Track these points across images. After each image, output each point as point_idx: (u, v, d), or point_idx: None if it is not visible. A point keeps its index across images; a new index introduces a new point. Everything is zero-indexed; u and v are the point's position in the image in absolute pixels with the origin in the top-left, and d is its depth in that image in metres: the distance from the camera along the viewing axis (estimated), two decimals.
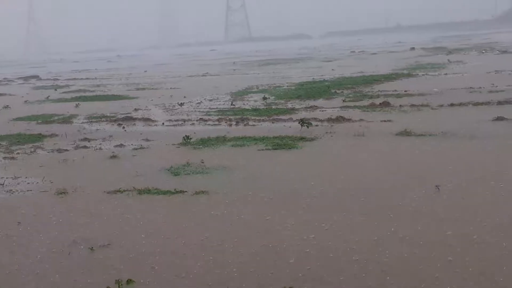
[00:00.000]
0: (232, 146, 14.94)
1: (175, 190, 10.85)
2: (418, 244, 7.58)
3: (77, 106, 25.96)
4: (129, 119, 21.11)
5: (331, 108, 20.81)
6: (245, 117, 19.91)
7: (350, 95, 24.17)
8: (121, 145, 15.98)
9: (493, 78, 26.48)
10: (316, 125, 16.94)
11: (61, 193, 11.18)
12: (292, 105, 22.40)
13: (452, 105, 19.41)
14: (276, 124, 18.09)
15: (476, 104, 19.23)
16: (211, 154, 14.02)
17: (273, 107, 22.19)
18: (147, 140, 16.57)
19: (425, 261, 7.08)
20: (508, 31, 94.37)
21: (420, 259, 7.15)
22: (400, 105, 20.06)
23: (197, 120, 19.98)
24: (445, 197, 9.46)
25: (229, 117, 20.12)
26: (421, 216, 8.65)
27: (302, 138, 15.13)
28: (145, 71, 54.22)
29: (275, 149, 14.19)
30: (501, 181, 10.09)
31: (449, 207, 8.96)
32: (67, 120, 21.88)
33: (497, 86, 23.54)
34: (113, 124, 20.24)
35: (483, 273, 6.66)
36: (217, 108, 23.12)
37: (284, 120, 18.66)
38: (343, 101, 22.44)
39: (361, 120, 17.43)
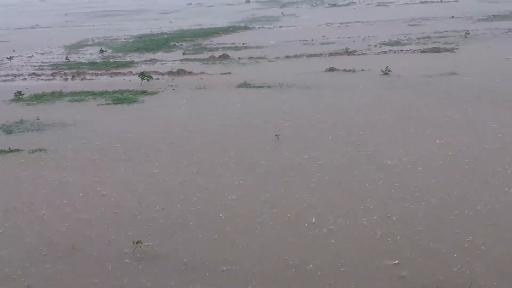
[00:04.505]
0: (70, 101, 14.35)
1: (9, 149, 10.26)
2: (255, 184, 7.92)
3: None
4: None
5: (171, 61, 20.67)
6: (81, 71, 19.17)
7: (190, 48, 24.14)
8: None
9: (324, 31, 27.75)
10: (157, 79, 16.77)
11: None
12: (131, 58, 21.93)
13: (287, 57, 20.12)
14: (116, 78, 17.62)
15: (310, 56, 20.09)
16: (47, 111, 13.38)
17: (111, 60, 21.59)
18: None
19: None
20: None
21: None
22: (238, 58, 20.43)
23: (29, 75, 18.88)
24: (283, 144, 9.88)
25: (65, 71, 19.27)
26: (259, 166, 8.99)
27: (143, 92, 14.91)
28: None
29: (116, 103, 13.86)
30: (335, 127, 10.72)
31: (287, 154, 9.38)
32: None
33: (328, 38, 24.71)
34: None
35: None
36: (50, 62, 21.99)
37: (124, 74, 18.23)
38: (183, 54, 22.38)
39: (202, 73, 17.52)
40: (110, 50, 24.66)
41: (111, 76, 18.00)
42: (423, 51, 19.47)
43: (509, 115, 10.95)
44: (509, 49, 18.77)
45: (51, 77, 18.32)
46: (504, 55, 17.44)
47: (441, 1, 41.90)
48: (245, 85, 15.16)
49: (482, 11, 31.76)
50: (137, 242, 6.38)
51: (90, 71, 19.01)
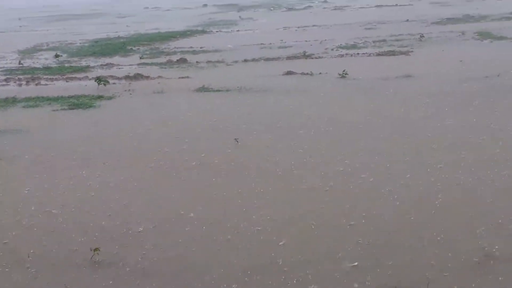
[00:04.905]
0: (24, 107, 14.08)
1: None
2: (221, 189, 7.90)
3: None
4: None
5: (128, 65, 20.46)
6: (36, 76, 18.81)
7: (147, 52, 23.93)
8: None
9: (281, 34, 27.86)
10: (114, 83, 16.58)
11: None
12: (87, 63, 21.62)
13: (245, 61, 20.13)
14: (71, 83, 17.35)
15: (268, 59, 20.14)
16: (1, 117, 13.08)
17: (67, 65, 21.25)
18: None
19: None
20: None
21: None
22: (196, 62, 20.34)
23: None
24: (242, 148, 9.88)
25: (19, 76, 18.87)
26: (220, 168, 8.97)
27: (100, 97, 14.72)
28: None
29: (72, 109, 13.66)
30: (294, 130, 10.77)
31: (246, 158, 9.39)
32: None
33: (285, 42, 24.79)
34: None
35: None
36: (3, 67, 21.51)
37: (80, 79, 17.97)
38: (140, 58, 22.17)
39: (159, 77, 17.39)
40: (66, 55, 24.28)
41: (67, 81, 17.71)
42: (379, 54, 19.74)
43: (462, 115, 11.18)
44: (463, 51, 19.19)
45: (4, 83, 17.93)
46: (458, 58, 17.81)
47: (396, 5, 42.60)
48: (203, 89, 15.11)
49: (436, 15, 32.39)
50: (95, 249, 6.28)
51: (45, 76, 18.66)
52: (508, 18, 28.38)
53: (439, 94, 13.13)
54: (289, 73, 16.80)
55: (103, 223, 7.20)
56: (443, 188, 7.71)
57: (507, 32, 22.77)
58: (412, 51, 19.86)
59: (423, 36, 23.09)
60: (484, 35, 22.66)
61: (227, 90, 14.84)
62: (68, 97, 14.87)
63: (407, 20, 30.89)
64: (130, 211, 7.52)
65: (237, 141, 10.16)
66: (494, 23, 26.63)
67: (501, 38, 21.62)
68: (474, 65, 16.56)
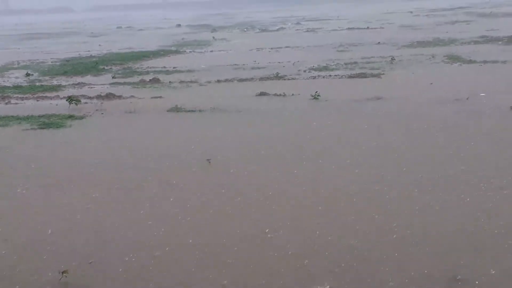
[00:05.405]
0: None
1: None
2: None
3: None
4: None
5: (100, 84, 20.34)
6: (6, 95, 18.61)
7: (120, 72, 23.84)
8: None
9: (255, 55, 28.00)
10: (86, 103, 16.46)
11: None
12: (58, 82, 21.46)
13: (219, 81, 20.16)
14: (42, 102, 17.18)
15: (241, 80, 20.19)
16: None
17: (38, 84, 21.07)
18: None
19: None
20: (266, 11, 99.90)
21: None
22: (169, 82, 20.32)
23: None
24: (215, 169, 9.84)
25: None
26: (188, 194, 8.92)
27: (71, 116, 14.60)
28: None
29: (42, 128, 13.51)
30: (267, 151, 10.77)
31: (217, 179, 9.35)
32: None
33: (258, 63, 24.90)
34: None
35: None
36: None
37: (51, 98, 17.81)
38: (113, 77, 22.08)
39: (132, 96, 17.31)
40: (37, 74, 24.07)
41: (38, 100, 17.53)
42: (350, 76, 19.91)
43: (432, 138, 11.31)
44: (433, 74, 19.48)
45: None
46: (427, 80, 18.06)
47: (368, 28, 43.21)
48: (176, 109, 15.06)
49: (406, 38, 32.88)
50: (63, 272, 6.17)
51: (15, 95, 18.46)
52: (476, 42, 28.93)
53: (409, 116, 13.26)
54: (262, 94, 16.84)
55: (67, 246, 7.08)
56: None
57: (476, 56, 23.20)
58: (383, 74, 20.08)
59: (394, 59, 23.40)
60: (453, 59, 23.05)
61: (200, 111, 14.82)
62: (38, 116, 14.71)
63: (379, 42, 31.31)
64: (95, 234, 7.42)
65: (209, 162, 10.12)
66: (463, 47, 27.12)
67: (470, 61, 22.01)
68: (444, 88, 16.80)
